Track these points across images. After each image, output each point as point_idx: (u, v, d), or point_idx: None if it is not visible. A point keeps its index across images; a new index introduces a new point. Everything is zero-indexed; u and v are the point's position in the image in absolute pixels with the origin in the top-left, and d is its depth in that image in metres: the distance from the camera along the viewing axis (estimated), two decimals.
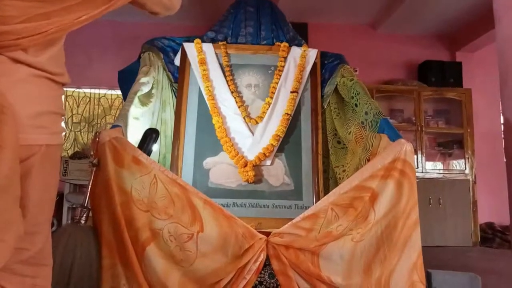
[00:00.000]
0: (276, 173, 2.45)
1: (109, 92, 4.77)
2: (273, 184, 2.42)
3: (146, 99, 2.40)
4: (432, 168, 4.46)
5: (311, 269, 1.69)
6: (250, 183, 2.37)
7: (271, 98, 2.56)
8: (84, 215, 1.63)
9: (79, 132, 4.76)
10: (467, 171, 4.32)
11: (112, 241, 1.63)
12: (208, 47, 2.67)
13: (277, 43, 2.75)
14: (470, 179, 4.30)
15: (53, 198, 1.01)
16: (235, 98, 2.55)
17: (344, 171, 2.46)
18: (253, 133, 2.49)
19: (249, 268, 1.70)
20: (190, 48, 2.65)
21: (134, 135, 2.15)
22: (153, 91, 2.47)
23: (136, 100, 2.22)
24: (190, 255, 1.67)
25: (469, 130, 4.37)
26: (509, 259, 2.91)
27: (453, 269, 2.17)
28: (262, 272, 1.75)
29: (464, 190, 4.27)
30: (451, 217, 4.20)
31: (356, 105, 2.38)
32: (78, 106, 4.80)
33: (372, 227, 1.73)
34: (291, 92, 2.55)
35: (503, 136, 3.93)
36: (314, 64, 2.68)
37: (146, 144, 2.07)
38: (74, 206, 3.61)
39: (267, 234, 1.77)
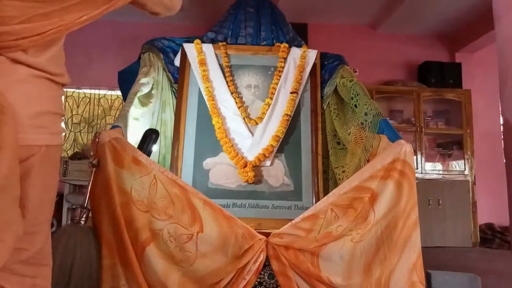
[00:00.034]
0: (276, 173, 2.45)
1: (109, 92, 4.77)
2: (273, 184, 2.42)
3: (146, 100, 2.40)
4: (432, 169, 4.46)
5: (311, 270, 1.69)
6: (250, 183, 2.37)
7: (271, 99, 2.56)
8: (84, 216, 1.64)
9: (79, 133, 4.75)
10: (466, 172, 4.32)
11: (112, 241, 1.63)
12: (208, 48, 2.67)
13: (277, 44, 2.75)
14: (470, 180, 4.30)
15: (52, 199, 1.01)
16: (235, 98, 2.55)
17: (343, 171, 2.46)
18: (252, 134, 2.49)
19: (249, 269, 1.70)
20: (190, 48, 2.65)
21: (134, 136, 2.15)
22: (153, 92, 2.48)
23: (136, 101, 2.22)
24: (190, 255, 1.67)
25: (468, 131, 4.37)
26: (509, 259, 2.91)
27: (453, 270, 2.17)
28: (262, 272, 1.75)
29: (464, 191, 4.27)
30: (450, 218, 4.20)
31: (355, 106, 2.38)
32: (78, 107, 4.80)
33: (372, 227, 1.74)
34: (291, 93, 2.56)
35: (502, 136, 3.94)
36: (314, 65, 2.68)
37: (146, 144, 2.07)
38: (73, 206, 3.61)
39: (267, 234, 1.77)
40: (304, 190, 2.41)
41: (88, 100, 4.82)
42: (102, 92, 4.79)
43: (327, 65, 2.75)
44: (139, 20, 4.43)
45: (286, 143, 2.51)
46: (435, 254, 3.40)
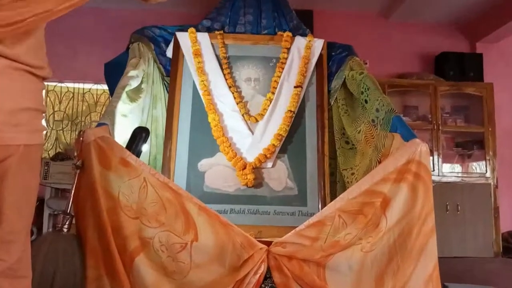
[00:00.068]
0: (278, 176, 2.45)
1: (95, 87, 4.77)
2: (275, 188, 2.42)
3: (135, 95, 2.40)
4: (450, 171, 4.45)
5: (317, 282, 1.69)
6: (250, 187, 2.37)
7: (273, 93, 2.56)
8: (67, 223, 1.64)
9: (61, 131, 4.75)
10: (488, 174, 4.31)
11: (98, 250, 1.63)
12: (203, 37, 2.67)
13: (280, 32, 2.75)
14: (492, 183, 4.29)
15: (32, 204, 1.01)
16: (233, 93, 2.55)
17: (352, 174, 2.46)
18: (252, 132, 2.49)
19: (248, 281, 1.70)
20: (184, 38, 2.65)
21: (122, 134, 2.15)
22: (142, 86, 2.48)
23: (124, 96, 2.22)
24: (184, 266, 1.67)
25: (490, 128, 4.36)
26: None
27: (472, 282, 2.18)
28: (263, 285, 1.75)
29: (485, 195, 4.26)
30: (470, 225, 4.20)
31: (366, 101, 2.38)
32: (60, 102, 4.80)
33: (383, 235, 1.74)
34: (295, 87, 2.55)
35: None
36: (320, 55, 2.68)
37: (135, 144, 2.07)
38: (56, 212, 3.61)
39: (268, 243, 1.77)
40: (309, 195, 2.41)
41: (71, 95, 4.82)
42: (87, 86, 4.79)
43: (335, 56, 2.75)
44: (127, 7, 4.43)
45: (290, 142, 2.51)
46: (453, 265, 3.40)
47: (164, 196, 1.72)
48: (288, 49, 2.67)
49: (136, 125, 2.28)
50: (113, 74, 2.47)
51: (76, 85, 4.79)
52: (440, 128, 4.37)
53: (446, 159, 4.47)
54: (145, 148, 2.33)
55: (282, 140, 2.46)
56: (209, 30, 2.75)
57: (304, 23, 2.92)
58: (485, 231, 4.20)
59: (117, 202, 1.68)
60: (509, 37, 4.68)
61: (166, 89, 2.66)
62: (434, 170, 4.18)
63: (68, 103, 4.80)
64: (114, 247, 1.62)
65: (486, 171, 4.33)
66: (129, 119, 2.32)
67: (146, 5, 1.26)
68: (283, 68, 2.61)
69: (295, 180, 2.45)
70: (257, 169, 2.41)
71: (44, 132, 1.12)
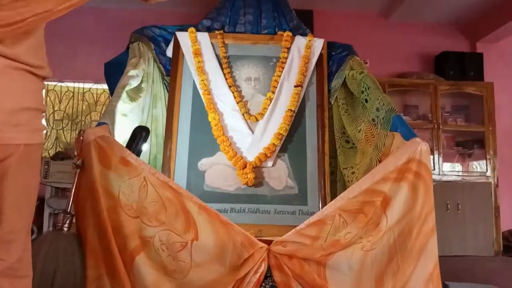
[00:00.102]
0: (279, 175, 2.44)
1: (95, 86, 4.76)
2: (275, 187, 2.42)
3: (135, 94, 2.40)
4: (450, 170, 4.45)
5: (317, 281, 1.70)
6: (250, 186, 2.37)
7: (273, 93, 2.56)
8: (67, 222, 1.64)
9: (61, 130, 4.75)
10: (488, 173, 4.31)
11: (98, 250, 1.63)
12: (203, 37, 2.67)
13: (280, 32, 2.75)
14: (492, 182, 4.29)
15: (32, 203, 1.01)
16: (233, 92, 2.55)
17: (353, 173, 2.46)
18: (253, 132, 2.49)
19: (249, 280, 1.70)
20: (184, 37, 2.65)
21: (122, 134, 2.15)
22: (142, 85, 2.48)
23: (124, 95, 2.22)
24: (184, 265, 1.67)
25: (490, 128, 4.36)
26: None
27: (473, 281, 2.18)
28: (263, 284, 1.75)
29: (485, 194, 4.26)
30: (470, 224, 4.20)
31: (366, 100, 2.38)
32: (60, 102, 4.80)
33: (384, 234, 1.74)
34: (295, 86, 2.55)
35: None
36: (320, 55, 2.68)
37: (135, 143, 2.07)
38: (56, 211, 3.61)
39: (269, 242, 1.77)
40: (309, 194, 2.41)
41: (71, 94, 4.81)
42: (87, 85, 4.78)
43: (335, 55, 2.74)
44: (128, 6, 4.43)
45: (290, 141, 2.51)
46: (453, 264, 3.40)
47: (164, 195, 1.72)
48: (288, 48, 2.67)
49: (136, 125, 2.28)
50: (113, 73, 2.47)
51: (76, 84, 4.79)
52: (441, 127, 4.37)
53: (447, 158, 4.47)
54: (145, 147, 2.33)
55: (283, 139, 2.46)
56: (209, 29, 2.75)
57: (304, 23, 2.91)
58: (486, 230, 4.19)
59: (117, 201, 1.68)
60: (509, 37, 4.68)
61: (166, 89, 2.66)
62: (434, 169, 4.18)
63: (68, 102, 4.80)
64: (115, 246, 1.62)
65: (487, 170, 4.32)
66: (129, 119, 2.32)
67: (146, 5, 1.26)
68: (283, 68, 2.61)
69: (295, 179, 2.45)
70: (257, 168, 2.41)
71: (44, 131, 1.12)
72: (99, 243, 1.63)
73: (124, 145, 1.97)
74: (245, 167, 2.37)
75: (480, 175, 4.35)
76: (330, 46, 2.76)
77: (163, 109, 2.65)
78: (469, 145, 4.53)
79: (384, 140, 2.11)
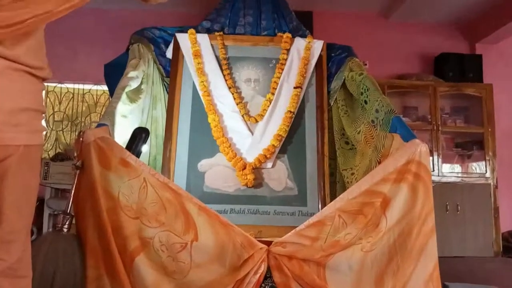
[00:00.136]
0: (278, 176, 2.45)
1: (95, 87, 4.77)
2: (275, 188, 2.42)
3: (135, 95, 2.40)
4: (450, 171, 4.45)
5: (317, 282, 1.70)
6: (249, 187, 2.37)
7: (273, 94, 2.56)
8: (67, 223, 1.64)
9: (61, 132, 4.75)
10: (488, 175, 4.31)
11: (98, 250, 1.64)
12: (203, 38, 2.67)
13: (279, 33, 2.75)
14: (491, 183, 4.29)
15: (32, 203, 1.01)
16: (232, 94, 2.55)
17: (352, 174, 2.46)
18: (252, 133, 2.49)
19: (249, 281, 1.70)
20: (184, 39, 2.65)
21: (121, 135, 2.15)
22: (142, 87, 2.48)
23: (124, 96, 2.22)
24: (184, 266, 1.67)
25: (490, 129, 4.36)
26: None
27: (472, 282, 2.18)
28: (263, 285, 1.75)
29: (485, 195, 4.26)
30: (470, 225, 4.19)
31: (365, 102, 2.38)
32: (60, 103, 4.80)
33: (383, 235, 1.74)
34: (295, 87, 2.56)
35: None
36: (320, 56, 2.68)
37: (135, 144, 2.07)
38: (56, 212, 3.61)
39: (268, 243, 1.77)
40: (309, 195, 2.42)
41: (71, 95, 4.82)
42: (87, 87, 4.78)
43: (334, 57, 2.75)
44: (127, 7, 4.42)
45: (289, 142, 2.51)
46: (453, 264, 3.40)
47: (164, 196, 1.72)
48: (288, 50, 2.67)
49: (136, 126, 2.28)
50: (113, 75, 2.47)
51: (76, 85, 4.79)
52: (440, 128, 4.37)
53: (446, 160, 4.47)
54: (145, 148, 2.33)
55: (282, 140, 2.46)
56: (208, 31, 2.75)
57: (304, 24, 2.92)
58: (485, 230, 4.19)
59: (117, 202, 1.68)
60: (508, 38, 4.68)
61: (166, 90, 2.66)
62: (434, 170, 4.18)
63: (68, 103, 4.80)
64: (114, 247, 1.62)
65: (486, 171, 4.33)
66: (129, 120, 2.32)
67: (146, 5, 1.26)
68: (282, 69, 2.61)
69: (295, 180, 2.45)
70: (257, 169, 2.41)
71: (44, 132, 1.13)
72: (99, 244, 1.63)
73: (124, 146, 1.97)
74: (244, 168, 2.37)
75: (479, 176, 4.35)
76: (329, 48, 2.76)
77: (163, 110, 2.65)
78: (469, 146, 4.53)
79: (384, 141, 2.12)
